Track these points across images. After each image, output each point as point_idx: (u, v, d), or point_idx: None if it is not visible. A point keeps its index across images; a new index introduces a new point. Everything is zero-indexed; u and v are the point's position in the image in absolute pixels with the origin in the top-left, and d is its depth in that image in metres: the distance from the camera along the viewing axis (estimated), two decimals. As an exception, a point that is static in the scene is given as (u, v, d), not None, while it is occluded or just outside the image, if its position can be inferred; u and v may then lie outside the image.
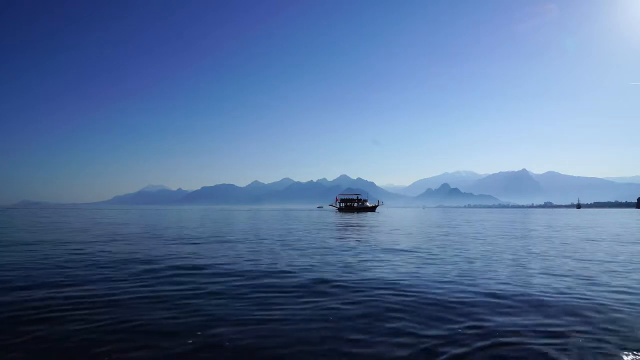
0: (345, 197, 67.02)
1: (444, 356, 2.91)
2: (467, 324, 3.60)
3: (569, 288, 5.13)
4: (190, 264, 7.01)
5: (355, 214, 44.62)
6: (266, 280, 5.54)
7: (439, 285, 5.26)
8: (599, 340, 3.22)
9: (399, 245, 10.51)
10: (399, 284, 5.31)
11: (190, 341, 3.16)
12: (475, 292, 4.83)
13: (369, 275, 6.00)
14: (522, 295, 4.71)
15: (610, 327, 3.55)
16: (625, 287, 5.24)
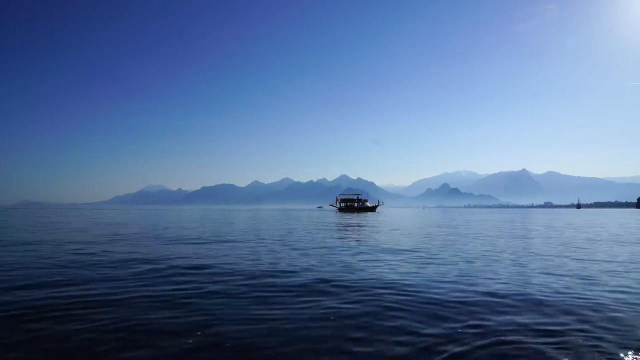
0: (346, 197, 67.03)
1: (445, 354, 2.92)
2: (467, 323, 3.61)
3: (568, 288, 5.14)
4: (190, 263, 7.02)
5: (355, 214, 44.63)
6: (266, 280, 5.55)
7: (439, 285, 5.27)
8: (598, 338, 3.24)
9: (399, 245, 10.52)
10: (399, 283, 5.32)
11: (191, 341, 3.17)
12: (475, 292, 4.84)
13: (369, 275, 6.01)
14: (521, 294, 4.72)
15: (608, 326, 3.56)
16: (624, 286, 5.25)
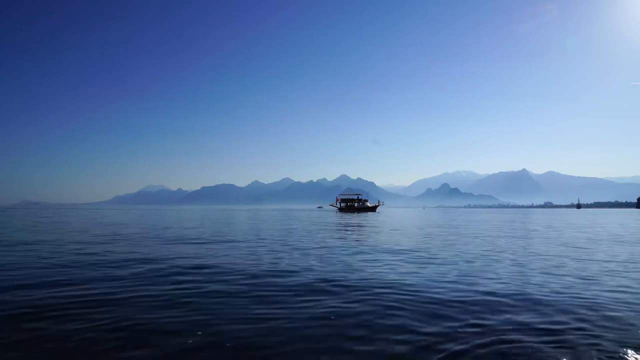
0: (346, 197, 67.05)
1: (444, 353, 2.92)
2: (467, 322, 3.62)
3: (567, 287, 5.14)
4: (190, 263, 7.03)
5: (355, 214, 44.64)
6: (266, 280, 5.56)
7: (439, 284, 5.27)
8: (597, 337, 3.24)
9: (400, 245, 10.53)
10: (399, 283, 5.33)
11: (191, 340, 3.17)
12: (475, 292, 4.84)
13: (369, 274, 6.02)
14: (521, 294, 4.72)
15: (607, 325, 3.57)
16: (624, 286, 5.26)
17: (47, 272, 6.16)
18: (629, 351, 2.97)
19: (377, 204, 67.80)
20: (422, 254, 8.44)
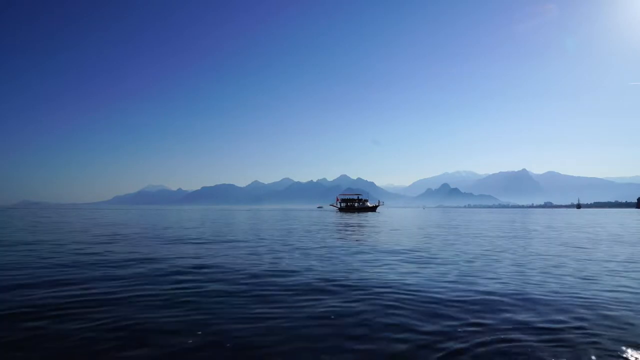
0: (346, 197, 67.06)
1: (444, 352, 2.93)
2: (466, 322, 3.62)
3: (567, 287, 5.15)
4: (190, 263, 7.03)
5: (355, 214, 44.64)
6: (266, 279, 5.56)
7: (439, 284, 5.28)
8: (596, 336, 3.25)
9: (400, 245, 10.53)
10: (399, 283, 5.33)
11: (191, 340, 3.17)
12: (474, 291, 4.84)
13: (369, 274, 6.02)
14: (521, 294, 4.73)
15: (607, 324, 3.57)
16: (623, 286, 5.26)
17: (47, 271, 6.16)
18: (628, 350, 2.97)
19: (377, 204, 67.81)
20: (422, 254, 8.45)
